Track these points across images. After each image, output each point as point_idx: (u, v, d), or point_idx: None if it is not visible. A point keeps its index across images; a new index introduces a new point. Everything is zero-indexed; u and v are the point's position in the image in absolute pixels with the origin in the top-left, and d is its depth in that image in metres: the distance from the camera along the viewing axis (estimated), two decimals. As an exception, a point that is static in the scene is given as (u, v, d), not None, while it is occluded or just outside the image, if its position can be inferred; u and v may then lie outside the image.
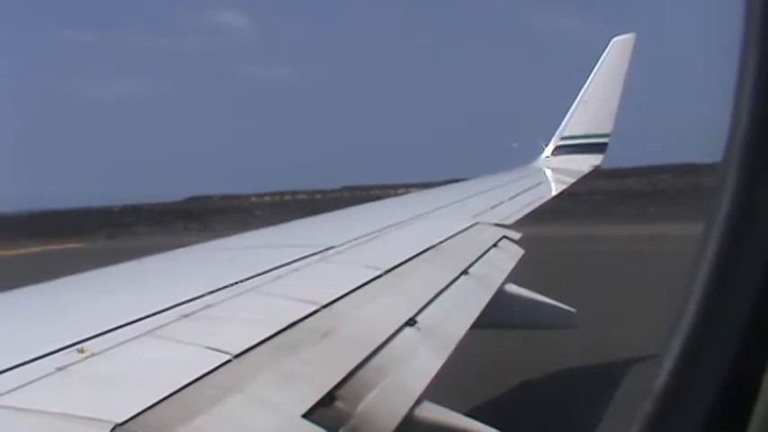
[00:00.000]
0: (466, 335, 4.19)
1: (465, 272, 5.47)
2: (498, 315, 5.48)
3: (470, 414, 3.65)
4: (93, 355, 2.75)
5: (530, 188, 12.03)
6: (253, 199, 61.87)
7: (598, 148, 16.05)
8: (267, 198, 61.07)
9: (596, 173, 15.92)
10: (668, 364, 1.10)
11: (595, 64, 16.32)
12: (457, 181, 15.77)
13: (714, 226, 1.11)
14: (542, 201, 11.18)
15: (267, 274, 4.34)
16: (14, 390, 2.36)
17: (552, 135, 16.63)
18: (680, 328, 1.11)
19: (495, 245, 6.92)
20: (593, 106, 16.05)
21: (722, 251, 1.11)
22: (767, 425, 1.04)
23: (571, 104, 16.62)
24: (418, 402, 3.15)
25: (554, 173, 14.88)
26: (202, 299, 3.65)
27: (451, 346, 3.91)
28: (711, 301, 1.11)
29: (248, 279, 4.16)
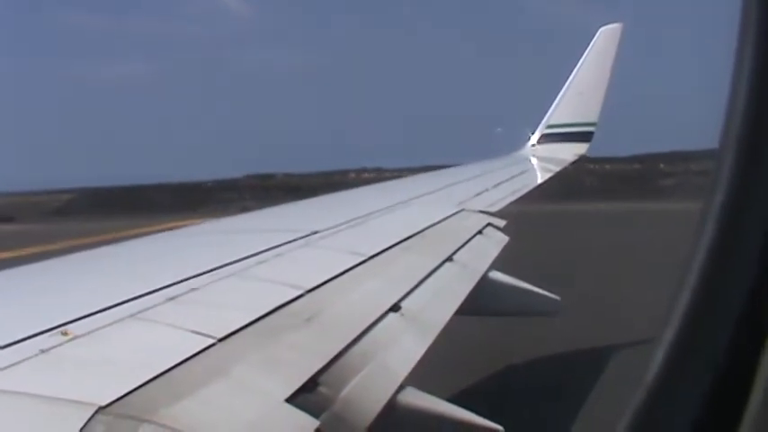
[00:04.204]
0: (449, 321, 4.22)
1: (449, 258, 5.49)
2: (482, 302, 5.51)
3: (453, 399, 3.68)
4: (76, 337, 2.75)
5: (515, 176, 12.07)
6: (351, 175, 61.04)
7: (584, 136, 16.13)
8: (366, 174, 59.98)
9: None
10: (660, 354, 1.11)
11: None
12: (444, 167, 15.79)
13: (708, 217, 1.12)
14: (527, 189, 11.24)
15: (252, 258, 4.34)
16: None
17: (539, 123, 16.70)
18: (673, 319, 1.11)
19: (479, 232, 6.95)
20: (579, 95, 16.11)
21: (717, 243, 1.11)
22: (760, 418, 1.05)
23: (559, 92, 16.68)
24: (401, 388, 3.17)
25: (539, 161, 14.95)
26: (187, 282, 3.65)
27: (435, 333, 3.93)
28: (705, 293, 1.11)
29: (233, 263, 4.17)
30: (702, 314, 1.11)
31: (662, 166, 52.11)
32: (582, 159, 15.92)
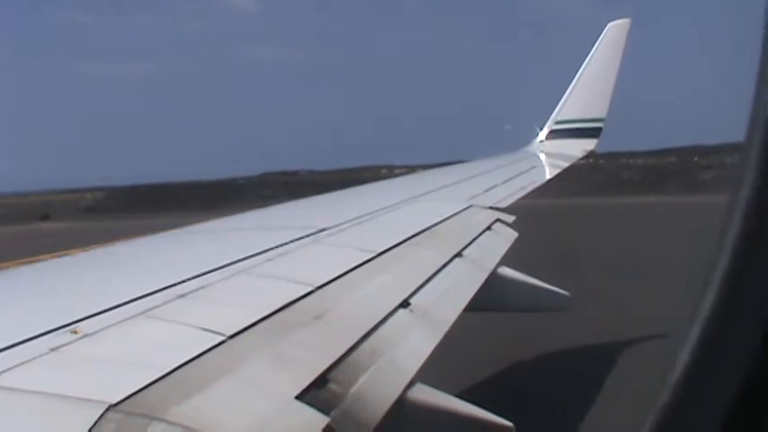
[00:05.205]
0: (459, 317, 4.20)
1: (459, 254, 5.48)
2: (492, 298, 5.50)
3: (462, 396, 3.66)
4: (86, 335, 2.75)
5: (524, 172, 12.03)
6: (383, 171, 60.99)
7: (592, 132, 16.07)
8: (396, 171, 59.66)
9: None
10: (686, 354, 1.09)
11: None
12: (451, 164, 15.76)
13: (734, 217, 1.09)
14: (536, 185, 11.21)
15: (260, 256, 4.33)
16: (7, 370, 2.36)
17: (548, 119, 16.65)
18: (698, 320, 1.09)
19: (488, 228, 6.93)
20: (587, 91, 16.04)
21: (742, 242, 1.09)
22: None
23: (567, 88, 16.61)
24: (411, 384, 3.17)
25: (548, 157, 14.90)
26: (196, 279, 3.65)
27: (444, 329, 3.92)
28: (730, 293, 1.09)
29: (242, 260, 4.16)
30: (728, 314, 1.09)
31: (696, 159, 52.12)
32: (597, 155, 15.88)
